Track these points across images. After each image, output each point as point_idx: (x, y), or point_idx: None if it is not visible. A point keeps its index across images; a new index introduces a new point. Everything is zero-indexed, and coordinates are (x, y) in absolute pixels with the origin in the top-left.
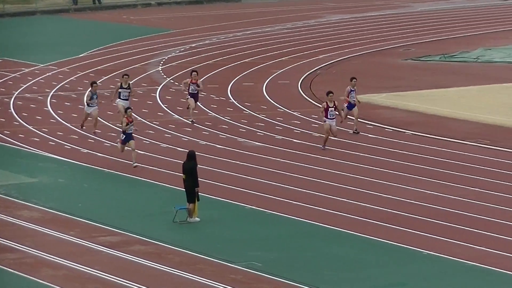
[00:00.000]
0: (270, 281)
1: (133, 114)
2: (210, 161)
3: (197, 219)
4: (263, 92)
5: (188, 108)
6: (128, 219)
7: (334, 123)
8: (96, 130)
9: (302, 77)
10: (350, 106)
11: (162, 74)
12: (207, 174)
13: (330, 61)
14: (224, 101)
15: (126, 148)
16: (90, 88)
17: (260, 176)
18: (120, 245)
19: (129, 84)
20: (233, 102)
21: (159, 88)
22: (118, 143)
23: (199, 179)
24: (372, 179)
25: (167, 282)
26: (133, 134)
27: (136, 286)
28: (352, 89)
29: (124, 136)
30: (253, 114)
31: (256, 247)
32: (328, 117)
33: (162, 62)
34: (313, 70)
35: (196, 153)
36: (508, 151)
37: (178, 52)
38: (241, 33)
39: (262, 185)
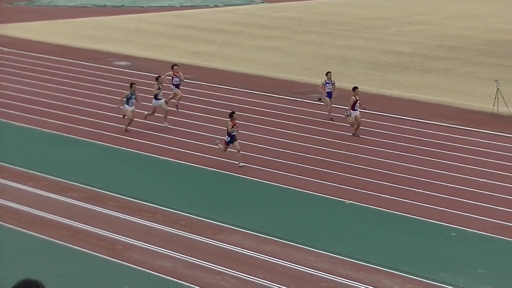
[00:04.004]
0: None
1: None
2: None
3: None
4: None
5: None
6: None
7: (358, 114)
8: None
9: None
10: (329, 95)
11: None
12: None
13: None
14: None
15: (229, 149)
16: (129, 89)
17: None
18: None
19: (160, 86)
20: None
21: None
22: (221, 144)
23: None
24: None
25: None
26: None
27: None
28: (328, 81)
29: (229, 138)
30: None
31: None
32: (355, 109)
33: None
34: None
35: None
36: (108, 67)
37: None
38: None
39: None
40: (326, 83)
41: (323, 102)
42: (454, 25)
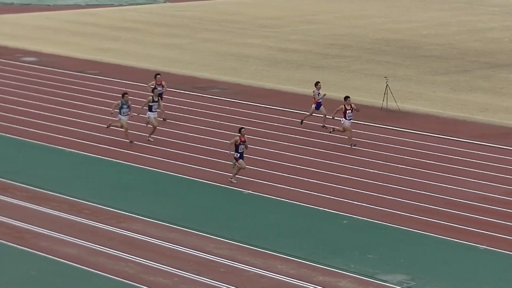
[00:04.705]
0: None
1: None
2: None
3: None
4: None
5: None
6: None
7: (349, 123)
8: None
9: None
10: (318, 106)
11: None
12: None
13: None
14: None
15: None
16: (121, 99)
17: None
18: None
19: (158, 98)
20: None
21: None
22: (234, 160)
23: None
24: None
25: None
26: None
27: None
28: (318, 92)
29: (238, 154)
30: None
31: None
32: (347, 118)
33: None
34: None
35: None
36: None
37: None
38: None
39: None
40: (318, 93)
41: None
42: (346, 25)
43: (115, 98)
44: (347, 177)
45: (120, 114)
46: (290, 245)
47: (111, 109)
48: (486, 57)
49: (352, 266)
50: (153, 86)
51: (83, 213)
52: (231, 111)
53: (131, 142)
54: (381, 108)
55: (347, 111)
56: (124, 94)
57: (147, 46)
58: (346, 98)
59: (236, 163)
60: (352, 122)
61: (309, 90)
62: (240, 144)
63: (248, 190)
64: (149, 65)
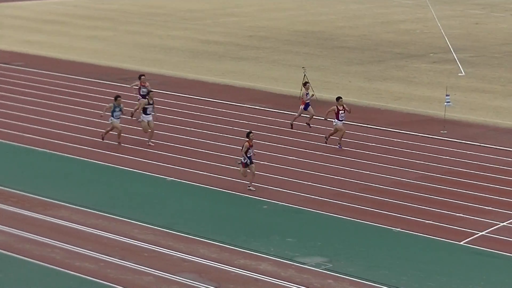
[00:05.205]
0: None
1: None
2: None
3: None
4: None
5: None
6: None
7: (341, 124)
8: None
9: None
10: (306, 106)
11: None
12: None
13: None
14: None
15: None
16: (113, 101)
17: None
18: None
19: (152, 100)
20: None
21: None
22: (240, 166)
23: None
24: None
25: None
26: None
27: None
28: (307, 92)
29: (246, 159)
30: None
31: None
32: (339, 119)
33: None
34: None
35: None
36: None
37: None
38: None
39: None
40: (306, 94)
41: (306, 114)
42: (265, 17)
43: (40, 89)
44: (266, 164)
45: (113, 117)
46: (212, 230)
47: (101, 112)
48: (399, 48)
49: (272, 249)
50: (137, 87)
51: (10, 200)
52: (155, 102)
53: (119, 144)
54: (299, 97)
55: (340, 112)
56: (116, 97)
57: (72, 38)
58: (338, 98)
59: (249, 167)
60: (344, 123)
61: (231, 80)
62: (248, 148)
63: (171, 177)
64: (74, 57)
